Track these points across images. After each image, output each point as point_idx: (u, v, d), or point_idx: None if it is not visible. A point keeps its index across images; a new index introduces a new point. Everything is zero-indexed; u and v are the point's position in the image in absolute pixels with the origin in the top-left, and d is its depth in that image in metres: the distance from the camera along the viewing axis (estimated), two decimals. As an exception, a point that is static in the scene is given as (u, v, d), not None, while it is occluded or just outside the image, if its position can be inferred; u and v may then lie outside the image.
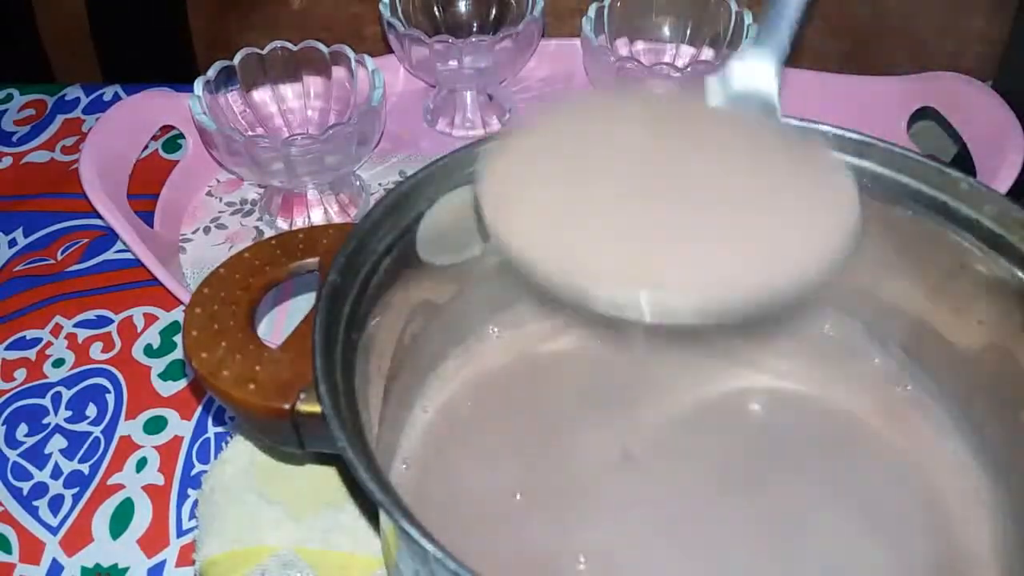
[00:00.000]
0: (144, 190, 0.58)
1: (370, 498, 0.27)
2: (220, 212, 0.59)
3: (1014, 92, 0.57)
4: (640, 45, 0.63)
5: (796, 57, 0.63)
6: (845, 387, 0.41)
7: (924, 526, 0.36)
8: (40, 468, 0.47)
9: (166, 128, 0.61)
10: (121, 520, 0.44)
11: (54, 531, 0.44)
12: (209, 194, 0.60)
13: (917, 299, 0.39)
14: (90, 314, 0.53)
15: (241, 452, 0.41)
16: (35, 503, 0.45)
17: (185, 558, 0.43)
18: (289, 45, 0.57)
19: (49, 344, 0.52)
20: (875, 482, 0.38)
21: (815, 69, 0.62)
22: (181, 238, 0.57)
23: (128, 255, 0.55)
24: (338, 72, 0.58)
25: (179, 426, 0.48)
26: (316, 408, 0.30)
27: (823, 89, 0.61)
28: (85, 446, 0.47)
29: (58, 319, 0.53)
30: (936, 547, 0.36)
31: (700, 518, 0.36)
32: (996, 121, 0.54)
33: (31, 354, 0.51)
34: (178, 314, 0.53)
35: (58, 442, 0.48)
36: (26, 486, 0.46)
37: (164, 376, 0.50)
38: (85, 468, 0.46)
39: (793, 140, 0.35)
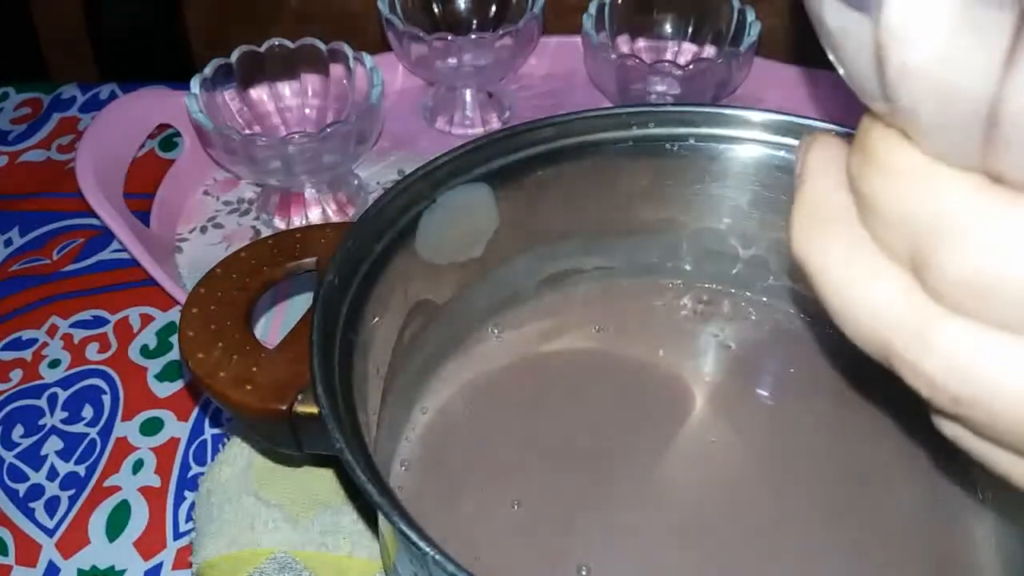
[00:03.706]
0: (140, 189, 0.58)
1: (368, 500, 0.27)
2: (217, 211, 0.58)
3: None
4: (641, 42, 0.63)
5: (793, 56, 0.63)
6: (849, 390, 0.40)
7: (925, 527, 0.36)
8: (36, 470, 0.46)
9: (163, 127, 0.61)
10: (117, 522, 0.44)
11: (50, 533, 0.44)
12: (206, 193, 0.60)
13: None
14: (86, 314, 0.53)
15: (238, 454, 0.41)
16: (31, 505, 0.45)
17: (182, 561, 0.43)
18: (287, 43, 0.57)
19: (45, 345, 0.51)
20: (879, 486, 0.37)
21: (811, 67, 0.62)
22: (177, 238, 0.57)
23: (124, 255, 0.55)
24: (336, 70, 0.57)
25: (176, 427, 0.48)
26: (314, 409, 0.30)
27: (818, 88, 0.61)
28: (81, 448, 0.47)
29: (54, 319, 0.53)
30: (936, 547, 0.35)
31: (705, 526, 0.36)
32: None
33: (27, 355, 0.51)
34: (174, 314, 0.52)
35: (54, 443, 0.47)
36: (22, 488, 0.45)
37: (160, 377, 0.50)
38: (81, 470, 0.46)
39: None
